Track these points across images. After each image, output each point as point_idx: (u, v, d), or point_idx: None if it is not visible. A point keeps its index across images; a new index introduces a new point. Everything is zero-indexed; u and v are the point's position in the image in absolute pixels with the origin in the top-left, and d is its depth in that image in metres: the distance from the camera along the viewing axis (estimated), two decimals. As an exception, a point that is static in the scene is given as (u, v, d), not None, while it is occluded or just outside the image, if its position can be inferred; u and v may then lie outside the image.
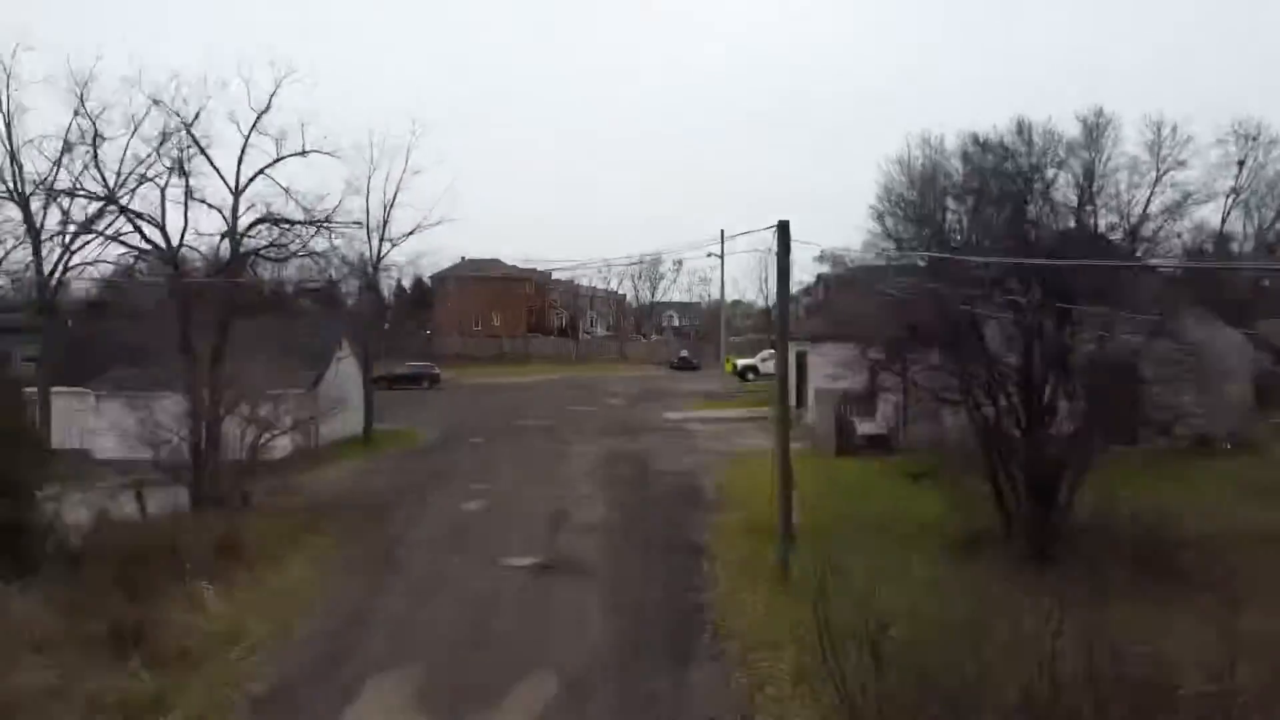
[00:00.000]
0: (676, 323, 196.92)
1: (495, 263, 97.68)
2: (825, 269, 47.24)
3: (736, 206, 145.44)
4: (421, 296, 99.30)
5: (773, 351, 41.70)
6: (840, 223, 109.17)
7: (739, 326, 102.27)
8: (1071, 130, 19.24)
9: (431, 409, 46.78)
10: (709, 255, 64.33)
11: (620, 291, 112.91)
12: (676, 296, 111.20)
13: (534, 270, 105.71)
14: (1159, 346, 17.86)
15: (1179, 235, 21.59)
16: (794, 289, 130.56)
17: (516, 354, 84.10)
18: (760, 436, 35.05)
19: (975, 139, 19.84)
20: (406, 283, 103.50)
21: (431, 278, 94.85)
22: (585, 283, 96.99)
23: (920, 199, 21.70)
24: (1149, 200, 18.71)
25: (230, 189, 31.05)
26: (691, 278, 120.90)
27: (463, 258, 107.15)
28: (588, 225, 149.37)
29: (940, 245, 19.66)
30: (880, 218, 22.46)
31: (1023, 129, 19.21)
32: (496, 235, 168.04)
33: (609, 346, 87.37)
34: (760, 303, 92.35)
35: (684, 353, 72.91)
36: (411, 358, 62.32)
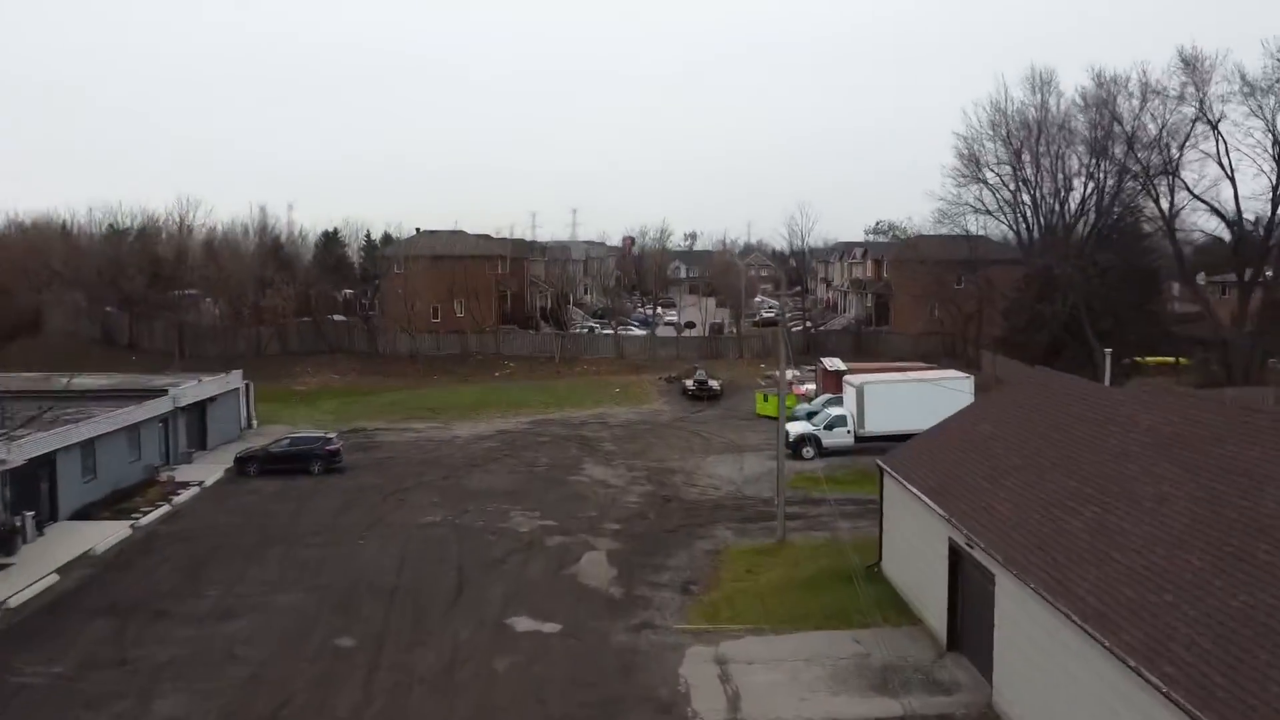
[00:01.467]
0: (684, 273, 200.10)
1: (459, 236, 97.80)
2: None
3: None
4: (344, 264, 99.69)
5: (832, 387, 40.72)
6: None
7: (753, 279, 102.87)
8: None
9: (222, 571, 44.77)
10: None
11: (621, 242, 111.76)
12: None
13: (511, 241, 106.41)
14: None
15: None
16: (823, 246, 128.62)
17: (485, 355, 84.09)
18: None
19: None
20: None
21: (374, 256, 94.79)
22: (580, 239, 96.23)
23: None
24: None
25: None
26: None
27: (417, 229, 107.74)
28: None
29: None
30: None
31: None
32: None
33: (601, 345, 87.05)
34: (781, 244, 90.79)
35: (700, 374, 69.81)
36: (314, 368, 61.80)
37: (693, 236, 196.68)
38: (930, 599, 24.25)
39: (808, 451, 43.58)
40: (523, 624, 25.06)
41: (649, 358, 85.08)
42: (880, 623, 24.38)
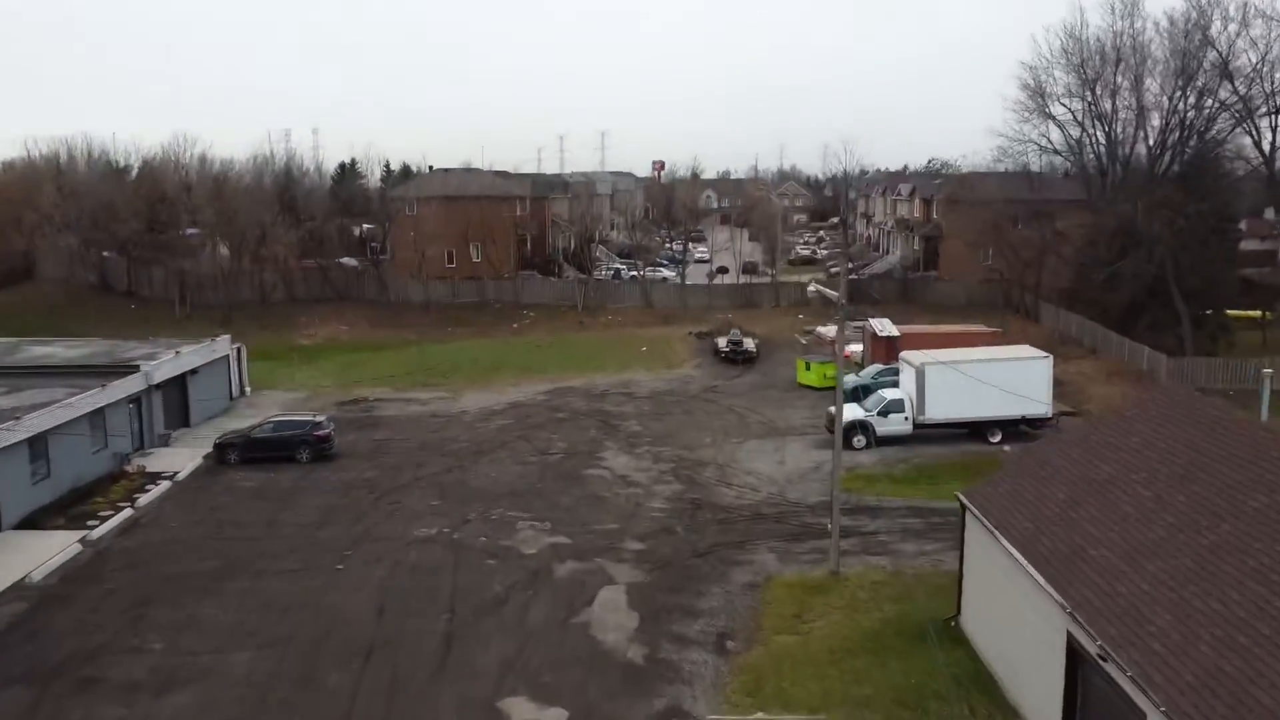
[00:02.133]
0: (715, 203, 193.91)
1: (475, 175, 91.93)
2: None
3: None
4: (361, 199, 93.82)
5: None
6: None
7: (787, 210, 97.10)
8: None
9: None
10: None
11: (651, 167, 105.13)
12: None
13: (531, 179, 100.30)
14: None
15: None
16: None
17: (504, 304, 79.02)
18: None
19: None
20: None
21: (385, 199, 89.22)
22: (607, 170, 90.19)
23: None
24: None
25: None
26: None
27: (430, 168, 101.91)
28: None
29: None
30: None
31: None
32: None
33: (627, 293, 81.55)
34: (817, 172, 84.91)
35: (734, 333, 60.96)
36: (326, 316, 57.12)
37: (725, 173, 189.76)
38: (1032, 690, 19.28)
39: (858, 440, 38.26)
40: (520, 710, 20.47)
41: (679, 306, 79.63)
42: (968, 717, 19.57)
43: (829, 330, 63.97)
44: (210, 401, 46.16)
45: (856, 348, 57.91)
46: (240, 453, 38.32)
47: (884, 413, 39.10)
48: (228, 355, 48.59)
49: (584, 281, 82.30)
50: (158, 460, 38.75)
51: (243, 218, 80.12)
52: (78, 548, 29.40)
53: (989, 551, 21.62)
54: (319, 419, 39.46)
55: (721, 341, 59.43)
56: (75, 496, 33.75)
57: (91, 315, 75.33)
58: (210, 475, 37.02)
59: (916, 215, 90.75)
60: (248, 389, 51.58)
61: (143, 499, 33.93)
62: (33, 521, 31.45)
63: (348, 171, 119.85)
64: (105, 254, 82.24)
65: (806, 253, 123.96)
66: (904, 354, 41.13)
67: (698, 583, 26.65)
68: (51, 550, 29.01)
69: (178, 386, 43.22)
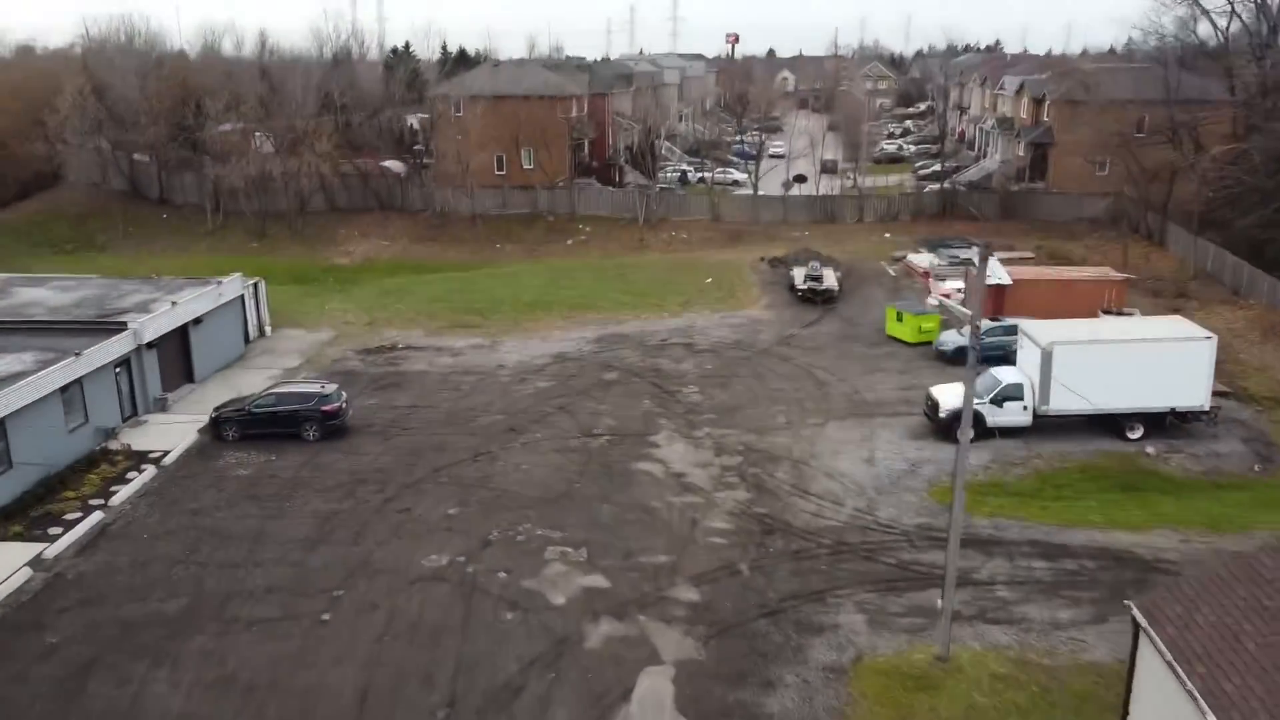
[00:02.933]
0: (792, 85, 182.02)
1: (527, 70, 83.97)
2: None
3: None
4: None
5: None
6: None
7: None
8: None
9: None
10: None
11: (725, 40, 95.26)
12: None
13: (589, 74, 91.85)
14: None
15: None
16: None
17: (557, 216, 72.48)
18: None
19: None
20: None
21: (433, 96, 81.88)
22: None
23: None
24: None
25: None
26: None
27: (483, 58, 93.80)
28: None
29: None
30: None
31: None
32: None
33: (693, 205, 74.06)
34: (900, 48, 75.06)
35: (813, 265, 52.72)
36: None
37: (801, 54, 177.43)
38: None
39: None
40: None
41: (749, 220, 72.21)
42: None
43: (921, 259, 56.49)
44: (221, 348, 41.29)
45: (956, 285, 50.57)
46: (238, 429, 33.40)
47: (998, 400, 32.22)
48: (240, 296, 43.54)
49: (646, 189, 75.07)
50: (149, 433, 34.18)
51: (287, 109, 74.21)
52: (27, 573, 24.95)
53: (1176, 704, 15.53)
54: (328, 390, 34.21)
55: (797, 275, 52.21)
56: (44, 489, 29.29)
57: (120, 225, 71.25)
58: (202, 458, 32.26)
59: (1023, 116, 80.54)
60: (268, 329, 46.70)
61: (119, 494, 29.31)
62: (-13, 528, 27.39)
63: (401, 57, 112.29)
64: (135, 157, 77.46)
65: (892, 148, 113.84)
66: (1028, 330, 33.84)
67: (766, 663, 21.03)
68: (-4, 576, 24.80)
69: (177, 340, 38.34)
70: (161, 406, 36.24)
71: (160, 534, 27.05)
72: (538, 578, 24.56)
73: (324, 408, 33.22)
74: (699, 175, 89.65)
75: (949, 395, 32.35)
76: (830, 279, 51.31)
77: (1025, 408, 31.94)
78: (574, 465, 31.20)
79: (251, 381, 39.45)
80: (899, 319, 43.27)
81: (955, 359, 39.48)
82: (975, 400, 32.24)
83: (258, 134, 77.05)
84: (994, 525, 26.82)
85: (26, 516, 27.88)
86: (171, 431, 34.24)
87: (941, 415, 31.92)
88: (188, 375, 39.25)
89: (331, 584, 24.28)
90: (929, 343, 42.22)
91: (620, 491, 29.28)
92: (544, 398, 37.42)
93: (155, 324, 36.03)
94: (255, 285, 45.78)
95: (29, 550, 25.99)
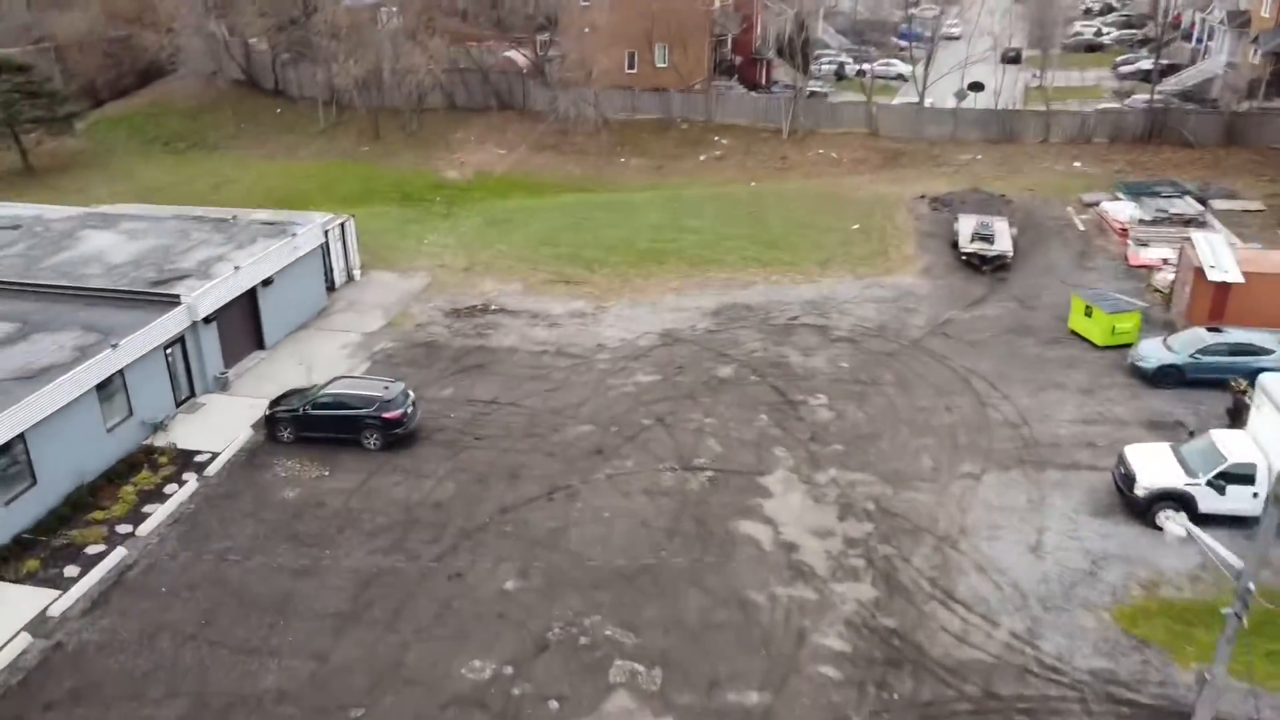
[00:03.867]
0: None
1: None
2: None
3: None
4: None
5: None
6: None
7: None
8: None
9: None
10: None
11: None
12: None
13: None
14: None
15: None
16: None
17: (692, 123, 64.99)
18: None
19: None
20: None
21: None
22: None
23: None
24: None
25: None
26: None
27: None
28: None
29: None
30: None
31: None
32: None
33: (846, 115, 64.87)
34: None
35: (983, 224, 43.71)
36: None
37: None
38: None
39: (1168, 521, 24.45)
40: None
41: (912, 136, 62.90)
42: None
43: (1119, 209, 47.03)
44: (294, 310, 37.48)
45: (1158, 254, 41.60)
46: (294, 429, 29.70)
47: (1218, 481, 24.88)
48: (322, 245, 39.44)
49: (794, 93, 66.31)
50: (201, 423, 30.87)
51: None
52: (25, 641, 22.03)
53: None
54: (391, 392, 29.72)
55: (963, 230, 43.86)
56: (73, 506, 26.47)
57: (232, 122, 68.29)
58: (249, 467, 28.65)
59: (1265, 15, 66.44)
60: (356, 273, 42.68)
61: (150, 520, 26.09)
62: (2, 560, 24.59)
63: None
64: (251, 43, 73.77)
65: (1090, 32, 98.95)
66: (1265, 381, 25.76)
67: None
68: (-7, 641, 22.04)
69: (244, 305, 34.67)
70: (222, 385, 32.90)
71: (180, 588, 23.68)
72: (596, 714, 19.99)
73: (385, 414, 28.97)
74: (858, 68, 79.50)
75: (1152, 465, 25.08)
76: (1003, 239, 42.88)
77: (1255, 494, 24.48)
78: (664, 518, 26.02)
79: (325, 351, 35.69)
80: (1087, 313, 35.14)
81: (1158, 380, 31.71)
82: (1187, 479, 25.24)
83: (383, 9, 71.96)
84: (1221, 687, 20.43)
85: (48, 546, 25.02)
86: (226, 422, 30.84)
87: (1139, 493, 24.80)
88: (257, 341, 35.74)
89: (352, 697, 20.34)
90: (1125, 346, 34.37)
91: (715, 569, 24.03)
92: (642, 400, 32.06)
93: (213, 295, 32.27)
94: (343, 226, 41.61)
95: (37, 600, 23.09)
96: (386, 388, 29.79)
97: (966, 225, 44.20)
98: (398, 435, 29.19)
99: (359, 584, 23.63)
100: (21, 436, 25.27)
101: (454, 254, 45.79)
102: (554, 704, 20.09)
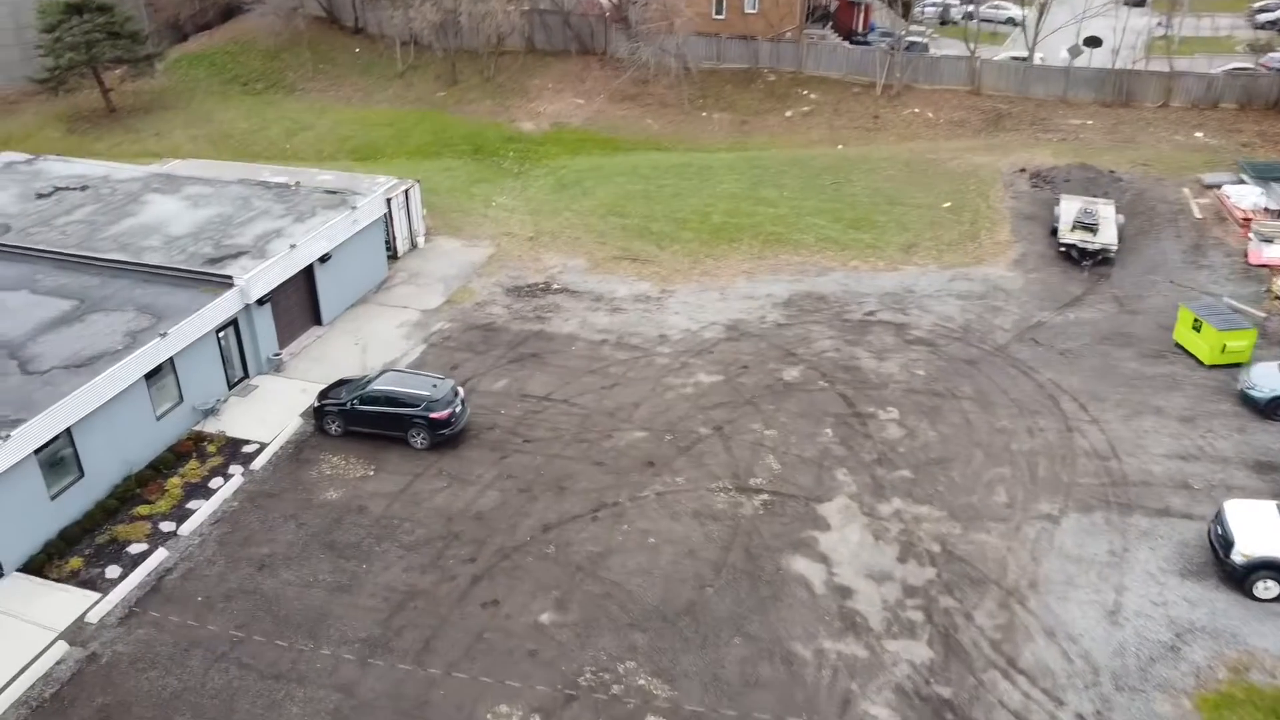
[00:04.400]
0: None
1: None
2: None
3: None
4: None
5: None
6: None
7: None
8: None
9: None
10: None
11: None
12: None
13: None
14: None
15: None
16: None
17: (780, 74, 61.59)
18: None
19: None
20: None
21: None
22: None
23: None
24: None
25: None
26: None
27: None
28: None
29: None
30: None
31: None
32: None
33: (946, 70, 60.49)
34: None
35: (1088, 211, 39.49)
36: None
37: None
38: None
39: (1265, 590, 22.09)
40: None
41: (1017, 95, 58.52)
42: None
43: (1243, 194, 42.91)
44: (353, 284, 36.73)
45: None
46: (342, 422, 29.22)
47: (1331, 552, 22.37)
48: (384, 215, 38.48)
49: (892, 40, 62.31)
50: (252, 408, 30.54)
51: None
52: (62, 650, 22.20)
53: None
54: (439, 391, 28.76)
55: (1064, 216, 40.34)
56: (121, 496, 26.51)
57: (310, 61, 67.38)
58: (295, 463, 28.21)
59: None
60: (420, 240, 41.75)
61: (193, 518, 25.96)
62: (46, 557, 24.74)
63: None
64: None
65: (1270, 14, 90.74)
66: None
67: None
68: (30, 647, 22.07)
69: (300, 282, 34.08)
70: (275, 367, 32.54)
71: (216, 598, 23.51)
72: (620, 788, 19.15)
73: (433, 414, 28.22)
74: (965, 10, 74.42)
75: (1254, 527, 22.77)
76: (1108, 229, 39.47)
77: (1374, 568, 22.02)
78: (712, 548, 24.76)
79: (382, 331, 35.02)
80: (1195, 327, 32.16)
81: (1271, 412, 28.86)
82: (1294, 549, 22.76)
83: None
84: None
85: (91, 542, 25.16)
86: (276, 408, 30.47)
87: (1237, 560, 22.58)
88: (314, 317, 35.27)
89: (374, 741, 20.00)
90: (1234, 365, 31.40)
91: (760, 614, 22.80)
92: (701, 404, 30.62)
93: (266, 277, 31.74)
94: (407, 191, 40.56)
95: (76, 604, 23.18)
96: (435, 385, 28.96)
97: (1069, 210, 40.87)
98: (445, 435, 28.49)
99: (392, 606, 23.10)
100: (68, 430, 25.36)
101: (520, 220, 44.50)
102: (578, 766, 19.42)
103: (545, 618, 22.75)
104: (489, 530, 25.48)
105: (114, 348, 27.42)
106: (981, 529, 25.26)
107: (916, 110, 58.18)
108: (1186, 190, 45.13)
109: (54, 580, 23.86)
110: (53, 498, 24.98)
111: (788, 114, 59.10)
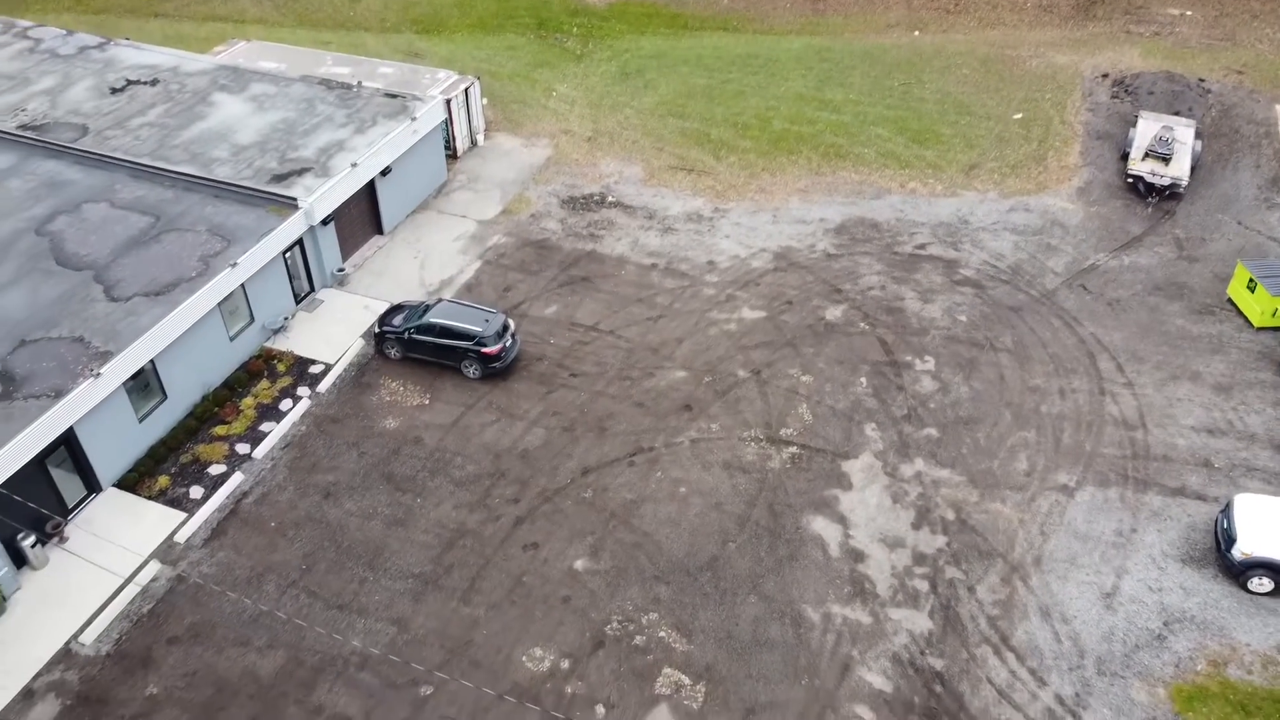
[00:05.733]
0: None
1: None
2: None
3: None
4: None
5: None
6: None
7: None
8: None
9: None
10: None
11: None
12: None
13: None
14: None
15: None
16: None
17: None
18: None
19: None
20: None
21: None
22: None
23: None
24: None
25: None
26: None
27: None
28: None
29: None
30: None
31: None
32: None
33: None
34: None
35: (1163, 137, 37.93)
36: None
37: None
38: None
39: (1262, 584, 23.18)
40: None
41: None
42: None
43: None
44: (413, 191, 37.71)
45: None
46: (401, 349, 31.06)
47: (1329, 560, 23.22)
48: (443, 120, 38.80)
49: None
50: (317, 324, 32.47)
51: None
52: (155, 569, 25.27)
53: None
54: (491, 324, 30.21)
55: (1137, 143, 38.87)
56: (199, 415, 29.06)
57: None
58: (357, 388, 30.24)
59: None
60: (480, 137, 42.14)
61: (265, 441, 28.42)
62: (138, 475, 27.50)
63: None
64: None
65: None
66: None
67: None
68: (128, 563, 25.16)
69: (362, 194, 35.17)
70: (340, 281, 34.29)
71: (286, 525, 26.20)
72: (634, 730, 21.78)
73: (483, 349, 29.87)
74: None
75: (1258, 527, 23.69)
76: (1182, 160, 38.10)
77: (1369, 580, 22.92)
78: (739, 501, 26.57)
79: (440, 244, 36.30)
80: (1250, 286, 31.82)
81: (1307, 388, 29.05)
82: (1292, 553, 23.77)
83: None
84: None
85: (176, 461, 27.92)
86: (340, 326, 32.41)
87: (1235, 557, 23.69)
88: (376, 226, 36.61)
89: (425, 669, 22.72)
90: (1283, 329, 31.27)
91: (776, 574, 24.74)
92: (742, 344, 31.69)
93: (330, 198, 32.90)
94: (466, 90, 40.69)
95: (166, 521, 26.15)
96: (487, 320, 30.48)
97: (1145, 132, 39.39)
98: (496, 369, 30.28)
99: (443, 544, 25.63)
100: (151, 363, 27.67)
101: (580, 115, 44.44)
102: (601, 709, 22.04)
103: (580, 564, 25.12)
104: (532, 470, 27.64)
105: (189, 274, 29.34)
106: (997, 497, 26.65)
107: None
108: (1279, 109, 43.05)
109: (145, 497, 26.93)
110: (140, 420, 27.66)
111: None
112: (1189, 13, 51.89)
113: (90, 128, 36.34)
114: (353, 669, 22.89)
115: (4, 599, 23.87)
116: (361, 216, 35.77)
